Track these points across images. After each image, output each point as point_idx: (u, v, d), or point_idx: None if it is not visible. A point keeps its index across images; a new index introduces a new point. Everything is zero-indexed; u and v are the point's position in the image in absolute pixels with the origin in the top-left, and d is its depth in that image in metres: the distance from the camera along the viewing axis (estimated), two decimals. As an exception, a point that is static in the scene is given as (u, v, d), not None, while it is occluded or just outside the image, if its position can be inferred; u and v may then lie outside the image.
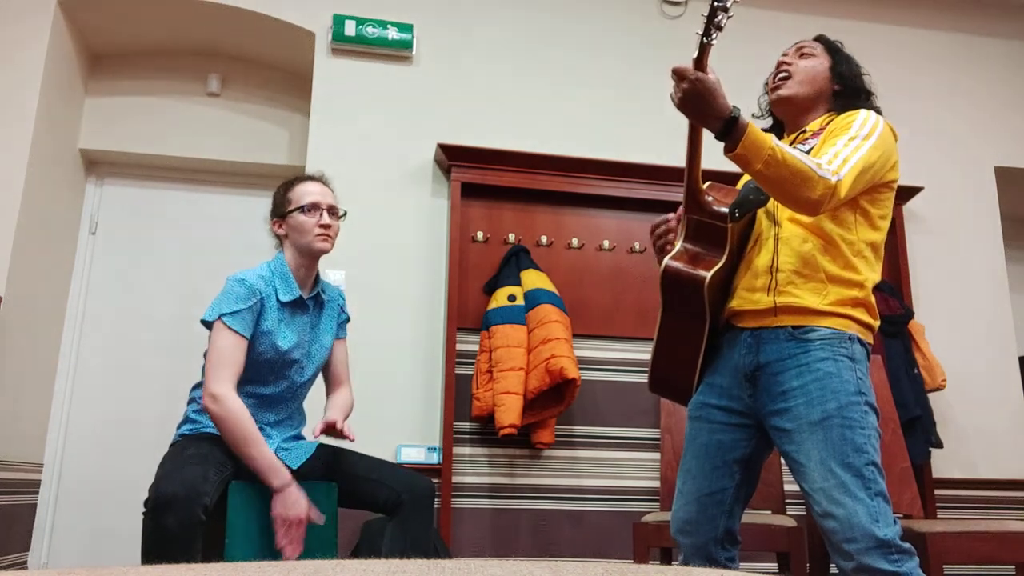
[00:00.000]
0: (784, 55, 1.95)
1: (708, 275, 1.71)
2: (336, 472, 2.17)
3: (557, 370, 3.11)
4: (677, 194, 1.81)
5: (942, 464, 3.64)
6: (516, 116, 3.72)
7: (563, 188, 3.59)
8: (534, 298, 3.31)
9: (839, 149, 1.69)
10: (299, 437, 2.27)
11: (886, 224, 1.81)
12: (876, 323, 1.78)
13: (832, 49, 1.94)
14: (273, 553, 1.98)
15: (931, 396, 3.56)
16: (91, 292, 3.74)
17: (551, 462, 3.39)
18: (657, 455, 3.36)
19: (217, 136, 3.89)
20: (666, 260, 1.77)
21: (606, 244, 3.63)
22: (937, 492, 3.59)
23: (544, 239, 3.57)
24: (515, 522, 3.30)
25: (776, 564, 2.68)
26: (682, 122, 1.72)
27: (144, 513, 1.82)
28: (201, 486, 1.83)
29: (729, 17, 1.53)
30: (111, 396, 3.64)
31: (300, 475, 2.09)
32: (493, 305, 3.33)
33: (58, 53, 3.45)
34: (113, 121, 3.81)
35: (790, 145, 1.85)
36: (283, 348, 2.15)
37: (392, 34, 3.64)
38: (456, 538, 3.21)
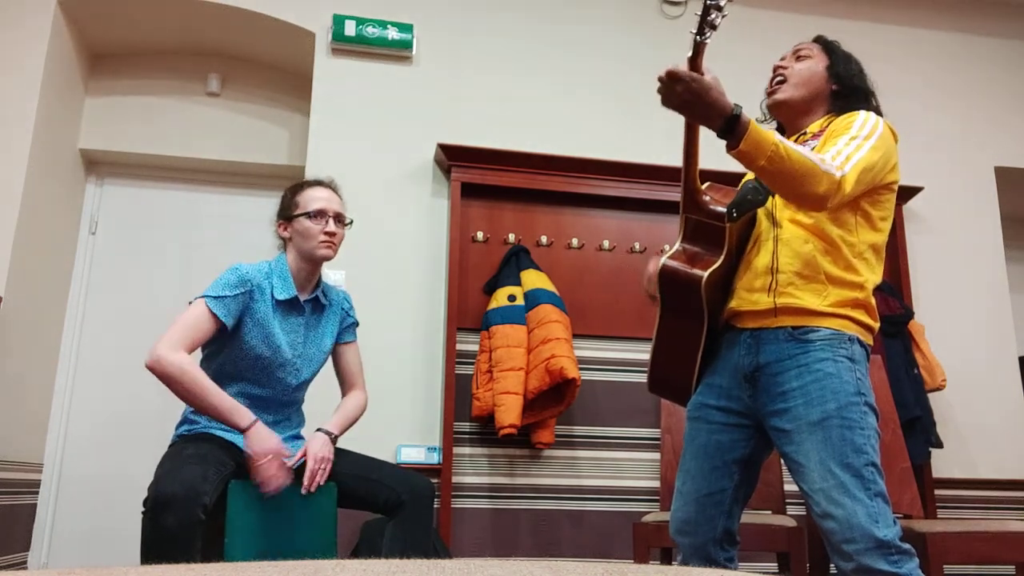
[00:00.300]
0: (781, 59, 1.95)
1: (705, 274, 1.71)
2: (336, 472, 2.16)
3: (557, 370, 3.11)
4: (677, 194, 1.80)
5: (942, 464, 3.64)
6: (516, 116, 3.72)
7: (563, 188, 3.59)
8: (534, 298, 3.31)
9: (840, 148, 1.69)
10: (298, 437, 2.27)
11: (887, 226, 1.81)
12: (876, 324, 1.78)
13: (829, 49, 1.94)
14: (273, 553, 1.98)
15: (931, 396, 3.56)
16: (91, 292, 3.74)
17: (551, 462, 3.39)
18: (657, 455, 3.36)
19: (217, 136, 3.89)
20: (663, 259, 1.77)
21: (606, 244, 3.63)
22: (937, 492, 3.58)
23: (544, 239, 3.57)
24: (515, 522, 3.30)
25: (776, 564, 2.68)
26: (683, 123, 1.72)
27: (143, 513, 1.82)
28: (200, 486, 1.83)
29: (724, 16, 1.53)
30: (111, 396, 3.65)
31: (299, 474, 2.09)
32: (493, 305, 3.33)
33: (58, 53, 3.46)
34: (113, 121, 3.81)
35: (791, 145, 1.85)
36: (273, 347, 2.14)
37: (392, 34, 3.64)
38: (456, 538, 3.20)
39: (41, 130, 3.32)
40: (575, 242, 3.59)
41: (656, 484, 3.39)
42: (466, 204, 3.53)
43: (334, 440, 2.17)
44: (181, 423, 2.18)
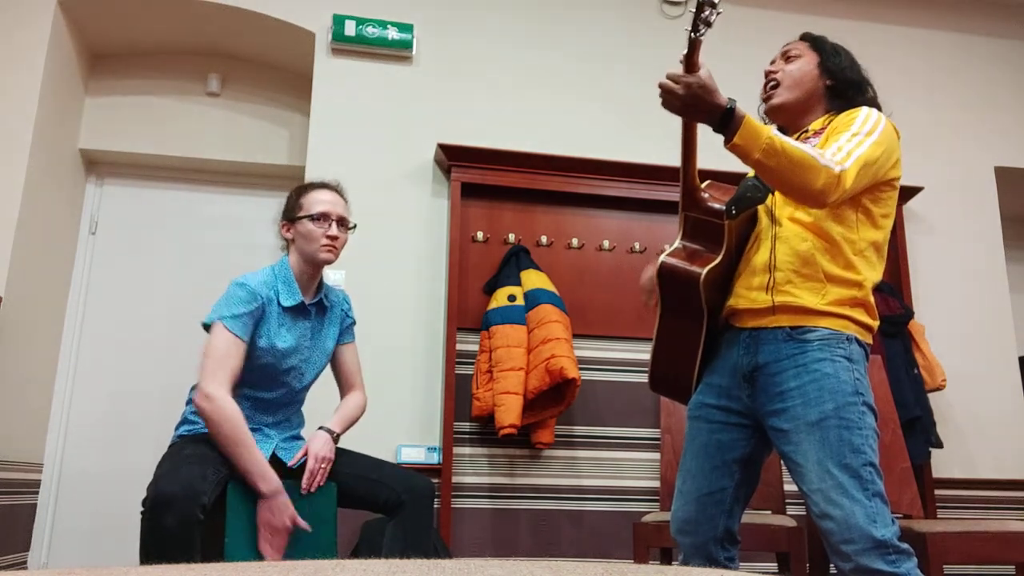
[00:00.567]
0: (771, 63, 1.95)
1: (703, 271, 1.71)
2: (336, 472, 2.16)
3: (557, 370, 3.11)
4: (676, 194, 1.80)
5: (942, 464, 3.64)
6: (516, 116, 3.72)
7: (563, 188, 3.59)
8: (534, 298, 3.31)
9: (842, 144, 1.69)
10: (298, 438, 2.27)
11: (889, 223, 1.80)
12: (875, 323, 1.77)
13: (817, 45, 1.92)
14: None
15: (931, 396, 3.56)
16: (91, 292, 3.74)
17: (551, 462, 3.39)
18: (657, 455, 3.36)
19: (217, 136, 3.89)
20: (663, 257, 1.78)
21: (606, 244, 3.63)
22: (937, 492, 3.58)
23: (544, 239, 3.57)
24: (515, 522, 3.30)
25: (776, 564, 2.68)
26: (681, 121, 1.72)
27: (142, 513, 1.82)
28: (199, 485, 1.83)
29: (718, 12, 1.53)
30: (111, 396, 3.65)
31: (299, 474, 2.09)
32: (493, 305, 3.33)
33: (58, 53, 3.46)
34: (113, 121, 3.81)
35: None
36: (282, 354, 2.14)
37: (392, 34, 3.64)
38: (456, 538, 3.20)
39: (41, 130, 3.32)
40: (575, 242, 3.59)
41: (656, 484, 3.39)
42: (466, 204, 3.53)
43: (335, 439, 2.17)
44: (181, 423, 2.18)
